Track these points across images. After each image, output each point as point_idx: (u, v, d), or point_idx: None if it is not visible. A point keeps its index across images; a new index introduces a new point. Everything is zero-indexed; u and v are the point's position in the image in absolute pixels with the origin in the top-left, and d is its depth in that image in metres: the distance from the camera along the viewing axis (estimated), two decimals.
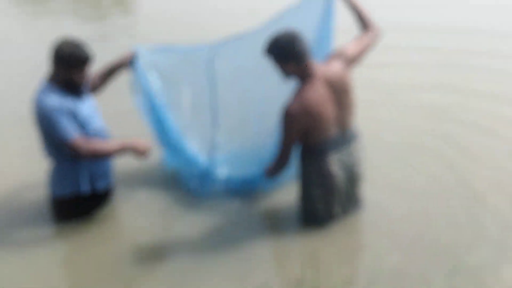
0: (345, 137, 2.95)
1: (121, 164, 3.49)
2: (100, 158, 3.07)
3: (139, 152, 3.04)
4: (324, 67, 2.86)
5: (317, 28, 3.23)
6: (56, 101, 2.90)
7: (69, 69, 2.90)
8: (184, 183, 3.51)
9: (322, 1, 3.19)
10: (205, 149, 3.50)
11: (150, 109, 3.35)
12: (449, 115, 4.50)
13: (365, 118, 3.63)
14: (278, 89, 3.16)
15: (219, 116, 3.39)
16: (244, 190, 3.43)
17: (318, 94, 2.78)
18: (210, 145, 3.45)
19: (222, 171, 3.49)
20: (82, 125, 2.99)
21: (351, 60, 2.94)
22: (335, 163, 2.92)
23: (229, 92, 3.41)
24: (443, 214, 3.19)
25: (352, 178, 3.04)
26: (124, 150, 3.03)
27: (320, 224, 3.06)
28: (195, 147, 3.54)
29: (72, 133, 2.89)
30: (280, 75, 2.89)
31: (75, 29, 7.42)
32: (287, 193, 3.39)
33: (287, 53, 2.75)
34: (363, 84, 4.01)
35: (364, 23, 3.08)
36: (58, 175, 3.09)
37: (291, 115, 2.76)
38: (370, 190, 3.29)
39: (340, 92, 2.85)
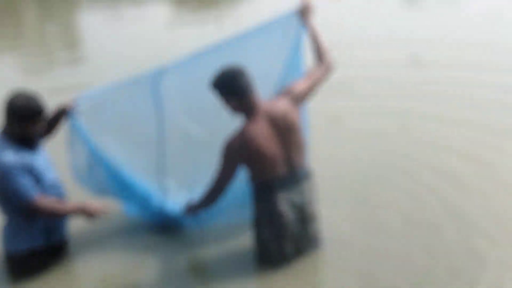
0: (294, 176, 2.94)
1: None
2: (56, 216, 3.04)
3: (90, 215, 3.02)
4: (269, 104, 2.90)
5: (287, 52, 3.18)
6: (12, 157, 2.84)
7: (23, 122, 2.85)
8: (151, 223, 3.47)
9: (293, 24, 3.14)
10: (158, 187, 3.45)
11: (92, 163, 3.30)
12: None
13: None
14: (227, 124, 3.06)
15: (167, 153, 3.35)
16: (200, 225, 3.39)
17: (261, 130, 2.81)
18: (159, 186, 3.43)
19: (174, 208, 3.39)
20: (38, 178, 2.92)
21: (299, 98, 2.97)
22: (284, 203, 2.92)
23: (177, 122, 3.35)
24: (405, 250, 3.24)
25: (304, 217, 3.01)
26: (77, 212, 3.02)
27: (274, 264, 3.03)
28: (151, 186, 3.47)
29: (30, 192, 2.84)
30: (227, 110, 2.94)
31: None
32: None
33: (229, 88, 2.82)
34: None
35: (319, 55, 3.10)
36: (13, 231, 2.99)
37: (229, 149, 2.81)
38: (330, 226, 3.30)
39: (285, 130, 2.87)
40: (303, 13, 3.14)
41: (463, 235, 3.31)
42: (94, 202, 3.09)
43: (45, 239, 3.05)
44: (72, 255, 3.29)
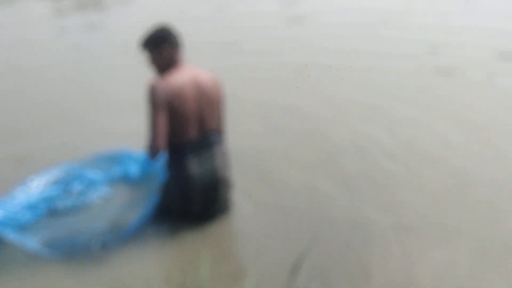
0: (206, 141, 2.91)
1: None
2: None
3: None
4: (195, 67, 2.93)
5: None
6: None
7: None
8: None
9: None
10: None
11: None
12: None
13: None
14: None
15: None
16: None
17: (184, 83, 2.82)
18: None
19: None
20: None
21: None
22: (194, 167, 2.86)
23: None
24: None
25: (214, 182, 2.94)
26: None
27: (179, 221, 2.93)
28: None
29: None
30: (154, 71, 2.91)
31: None
32: None
33: (162, 36, 2.86)
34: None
35: None
36: None
37: (155, 87, 2.75)
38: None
39: (204, 93, 2.87)
40: None
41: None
42: None
43: None
44: None
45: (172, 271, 2.66)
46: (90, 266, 2.67)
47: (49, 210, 3.11)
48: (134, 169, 3.40)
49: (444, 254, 2.63)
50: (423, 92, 4.79)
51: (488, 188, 3.21)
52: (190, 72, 2.88)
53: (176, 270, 2.64)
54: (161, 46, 2.85)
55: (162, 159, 2.92)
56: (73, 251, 2.74)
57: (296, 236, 2.81)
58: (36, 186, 3.26)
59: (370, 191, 3.23)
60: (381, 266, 2.56)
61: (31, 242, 2.76)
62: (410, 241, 2.75)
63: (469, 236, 2.77)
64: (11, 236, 2.75)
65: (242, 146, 3.62)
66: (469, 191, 3.20)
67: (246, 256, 2.78)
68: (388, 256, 2.64)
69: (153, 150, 2.72)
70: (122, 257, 2.73)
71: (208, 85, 2.90)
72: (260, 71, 5.55)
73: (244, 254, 2.82)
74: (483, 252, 2.65)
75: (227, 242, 2.92)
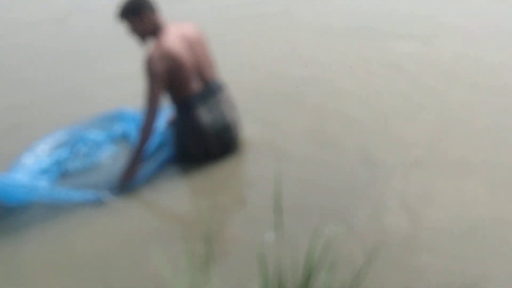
0: (209, 89, 3.07)
1: None
2: None
3: None
4: (177, 24, 3.04)
5: None
6: None
7: None
8: None
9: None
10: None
11: None
12: None
13: None
14: None
15: None
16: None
17: (175, 43, 2.91)
18: None
19: None
20: None
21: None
22: (204, 116, 3.03)
23: None
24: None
25: (225, 125, 3.12)
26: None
27: (199, 162, 3.12)
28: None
29: None
30: (137, 39, 2.99)
31: None
32: None
33: (138, 2, 2.90)
34: None
35: None
36: None
37: (152, 60, 2.83)
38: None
39: (195, 45, 3.00)
40: None
41: None
42: None
43: None
44: None
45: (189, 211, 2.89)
46: (106, 215, 2.82)
47: (61, 173, 3.24)
48: (133, 127, 3.53)
49: (457, 184, 2.73)
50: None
51: (494, 116, 3.36)
52: (176, 30, 2.98)
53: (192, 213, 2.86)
54: (140, 13, 2.90)
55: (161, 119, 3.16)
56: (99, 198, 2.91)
57: (300, 177, 2.96)
58: (42, 151, 3.37)
59: (375, 129, 3.37)
60: (394, 199, 2.66)
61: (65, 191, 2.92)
62: (420, 174, 2.85)
63: (480, 166, 2.87)
64: (45, 193, 2.88)
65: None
66: (474, 120, 3.33)
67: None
68: (399, 189, 2.74)
69: (150, 117, 2.86)
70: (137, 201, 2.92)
71: (195, 37, 3.03)
72: None
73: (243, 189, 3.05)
74: (496, 180, 2.74)
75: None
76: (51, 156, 3.31)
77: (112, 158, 3.34)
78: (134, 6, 2.90)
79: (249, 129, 3.40)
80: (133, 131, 3.47)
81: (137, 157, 2.94)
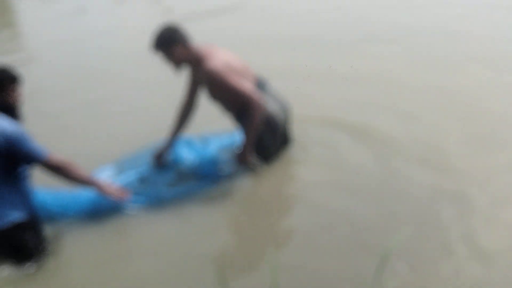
0: (261, 85, 3.22)
1: None
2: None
3: (106, 194, 2.91)
4: (205, 45, 3.17)
5: None
6: (12, 123, 2.67)
7: (2, 91, 2.80)
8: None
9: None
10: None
11: None
12: None
13: None
14: None
15: None
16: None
17: (219, 53, 3.08)
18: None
19: None
20: None
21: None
22: (271, 103, 3.19)
23: None
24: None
25: (287, 113, 3.33)
26: (92, 185, 2.88)
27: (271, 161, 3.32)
28: None
29: (45, 150, 2.70)
30: (172, 67, 3.11)
31: None
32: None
33: (169, 37, 3.02)
34: None
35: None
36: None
37: (217, 67, 2.99)
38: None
39: (234, 54, 3.18)
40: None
41: None
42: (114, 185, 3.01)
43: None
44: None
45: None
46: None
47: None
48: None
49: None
50: None
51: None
52: (211, 47, 3.13)
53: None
54: (171, 46, 3.03)
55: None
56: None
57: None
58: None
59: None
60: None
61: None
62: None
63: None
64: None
65: None
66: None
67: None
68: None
69: (259, 104, 3.01)
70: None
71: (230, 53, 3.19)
72: None
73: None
74: None
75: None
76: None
77: None
78: (165, 40, 3.03)
79: None
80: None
81: (253, 137, 3.10)
